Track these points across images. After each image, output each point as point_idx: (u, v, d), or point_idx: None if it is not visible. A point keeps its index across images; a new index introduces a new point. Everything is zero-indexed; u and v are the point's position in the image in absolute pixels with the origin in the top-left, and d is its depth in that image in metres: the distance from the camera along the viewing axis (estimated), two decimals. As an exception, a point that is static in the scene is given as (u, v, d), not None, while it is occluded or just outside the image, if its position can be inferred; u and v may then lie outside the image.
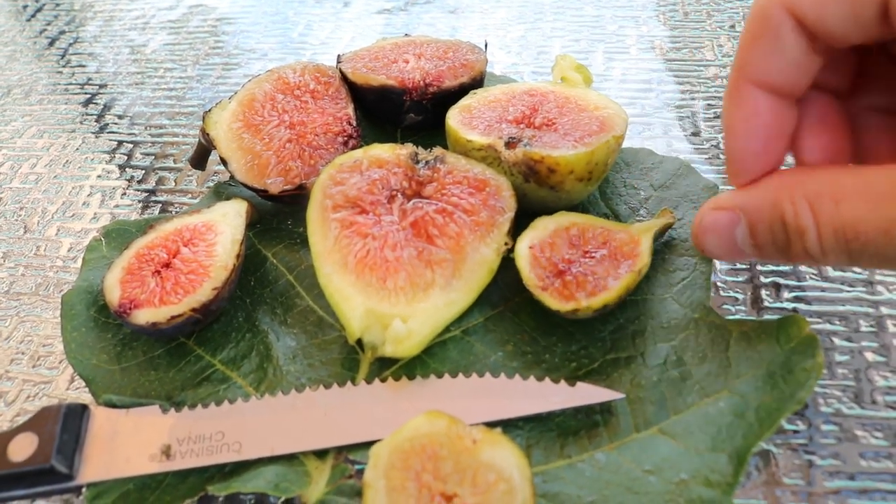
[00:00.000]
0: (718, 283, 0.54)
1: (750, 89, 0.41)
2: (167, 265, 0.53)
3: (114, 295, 0.51)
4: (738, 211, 0.42)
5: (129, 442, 0.46)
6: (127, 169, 0.71)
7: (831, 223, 0.37)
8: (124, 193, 0.69)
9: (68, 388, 0.54)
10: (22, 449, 0.45)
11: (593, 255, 0.50)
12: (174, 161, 0.72)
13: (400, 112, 0.62)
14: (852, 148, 0.45)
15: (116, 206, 0.67)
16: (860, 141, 0.45)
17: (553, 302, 0.48)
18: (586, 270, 0.49)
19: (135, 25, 0.94)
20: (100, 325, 0.54)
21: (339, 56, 0.66)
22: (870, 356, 0.49)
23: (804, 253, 0.39)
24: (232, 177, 0.58)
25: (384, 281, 0.49)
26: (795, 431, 0.46)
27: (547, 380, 0.46)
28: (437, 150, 0.54)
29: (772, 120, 0.41)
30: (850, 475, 0.44)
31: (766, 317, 0.52)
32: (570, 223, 0.52)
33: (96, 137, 0.76)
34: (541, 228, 0.52)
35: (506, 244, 0.50)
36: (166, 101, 0.80)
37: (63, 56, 0.90)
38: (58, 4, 1.02)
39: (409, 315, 0.48)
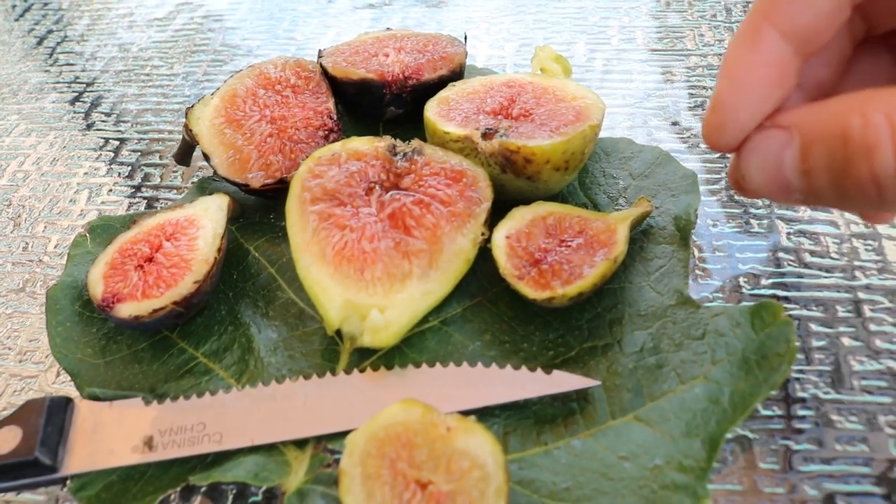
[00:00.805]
0: (696, 271, 0.55)
1: (770, 33, 0.38)
2: (150, 259, 0.53)
3: (97, 289, 0.52)
4: (793, 130, 0.37)
5: (112, 434, 0.47)
6: (113, 165, 0.72)
7: None
8: (111, 190, 0.69)
9: (54, 383, 0.54)
10: (6, 442, 0.45)
11: (569, 243, 0.51)
12: (160, 157, 0.72)
13: (381, 105, 0.63)
14: None
15: (103, 202, 0.68)
16: None
17: (529, 291, 0.49)
18: (562, 259, 0.50)
19: (122, 23, 0.95)
20: (84, 320, 0.54)
21: (319, 51, 0.66)
22: (847, 341, 0.50)
23: (868, 176, 0.34)
24: (215, 172, 0.59)
25: (362, 272, 0.49)
26: (772, 417, 0.46)
27: (524, 368, 0.47)
28: (415, 143, 0.54)
29: (780, 73, 0.39)
30: (826, 459, 0.44)
31: (744, 304, 0.52)
32: (547, 212, 0.53)
33: (83, 135, 0.76)
34: (518, 218, 0.52)
35: (483, 234, 0.51)
36: (153, 98, 0.80)
37: (51, 55, 0.90)
38: (46, 4, 1.02)
39: (387, 305, 0.48)
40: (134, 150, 0.73)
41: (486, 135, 0.53)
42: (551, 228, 0.52)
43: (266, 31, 0.89)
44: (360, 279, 0.49)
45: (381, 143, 0.54)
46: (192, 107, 0.62)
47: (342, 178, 0.52)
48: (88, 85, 0.84)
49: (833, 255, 0.55)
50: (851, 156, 0.34)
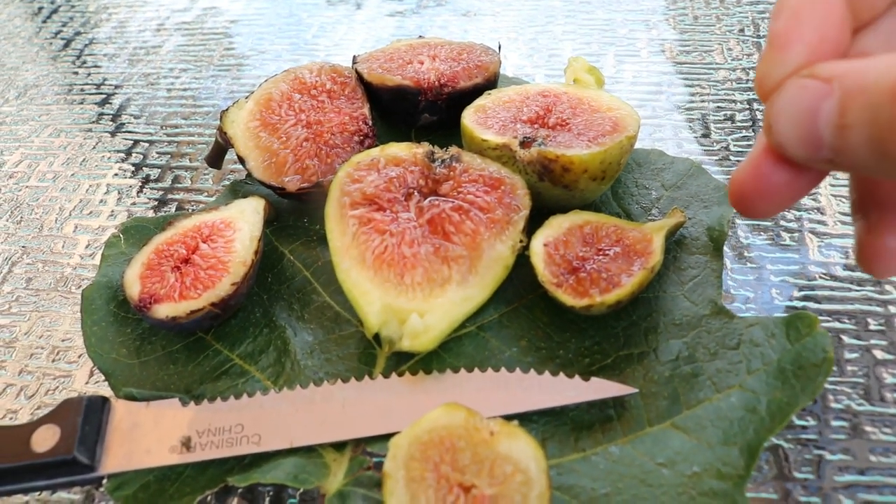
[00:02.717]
0: (729, 282, 0.55)
1: None
2: (186, 261, 0.53)
3: (134, 290, 0.52)
4: (834, 81, 0.33)
5: (149, 434, 0.47)
6: (143, 168, 0.72)
7: None
8: (140, 191, 0.69)
9: (87, 383, 0.54)
10: (45, 440, 0.46)
11: (607, 252, 0.51)
12: (189, 160, 0.72)
13: (415, 112, 0.63)
14: None
15: (133, 203, 0.68)
16: None
17: (567, 298, 0.49)
18: (600, 267, 0.50)
19: (149, 26, 0.95)
20: (119, 320, 0.55)
21: (354, 57, 0.67)
22: (879, 354, 0.50)
23: None
24: (248, 175, 0.59)
25: (402, 277, 0.50)
26: (806, 427, 0.47)
27: (561, 375, 0.47)
28: (453, 149, 0.55)
29: (839, 21, 0.36)
30: (860, 470, 0.45)
31: (776, 315, 0.52)
32: (584, 221, 0.53)
33: (112, 137, 0.77)
34: (555, 226, 0.53)
35: (521, 241, 0.51)
36: (181, 101, 0.81)
37: (78, 57, 0.91)
38: (73, 6, 1.03)
39: (426, 310, 0.49)
40: (163, 153, 0.74)
41: (525, 143, 0.53)
42: (588, 237, 0.52)
43: (293, 36, 0.90)
44: (400, 283, 0.49)
45: (419, 150, 0.55)
46: (227, 110, 0.62)
47: (381, 184, 0.53)
48: (117, 87, 0.84)
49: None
50: (891, 112, 0.31)
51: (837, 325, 0.52)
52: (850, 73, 0.33)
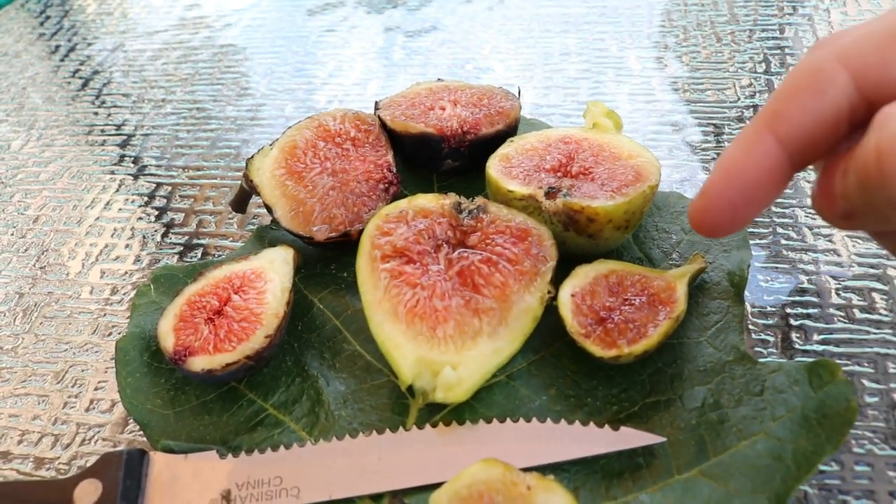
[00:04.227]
0: (749, 326, 0.56)
1: (768, 141, 0.39)
2: (219, 312, 0.54)
3: (168, 342, 0.53)
4: None
5: (189, 487, 0.48)
6: (167, 212, 0.74)
7: None
8: (165, 236, 0.71)
9: (122, 433, 0.55)
10: (87, 495, 0.47)
11: (632, 302, 0.52)
12: (213, 204, 0.74)
13: (438, 158, 0.64)
14: None
15: (159, 248, 0.70)
16: None
17: (596, 349, 0.50)
18: (627, 318, 0.51)
19: (168, 68, 0.97)
20: (153, 371, 0.56)
21: (376, 103, 0.68)
22: (899, 398, 0.51)
23: None
24: (276, 223, 0.60)
25: (434, 329, 0.51)
26: (829, 472, 0.48)
27: (592, 424, 0.48)
28: (479, 200, 0.56)
29: (772, 181, 0.39)
30: (884, 515, 0.46)
31: (797, 359, 0.54)
32: (610, 271, 0.54)
33: (135, 180, 0.78)
34: (581, 276, 0.54)
35: (549, 292, 0.52)
36: (202, 143, 0.82)
37: (97, 97, 0.92)
38: (90, 44, 1.04)
39: (459, 363, 0.50)
40: (186, 196, 0.75)
41: (550, 194, 0.55)
42: (614, 287, 0.53)
43: (318, 74, 0.91)
44: (433, 336, 0.50)
45: (446, 201, 0.56)
46: (252, 157, 0.63)
47: (411, 236, 0.54)
48: (137, 128, 0.85)
49: (881, 310, 0.56)
50: None
51: (857, 368, 0.53)
52: None
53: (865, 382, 0.52)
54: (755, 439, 0.46)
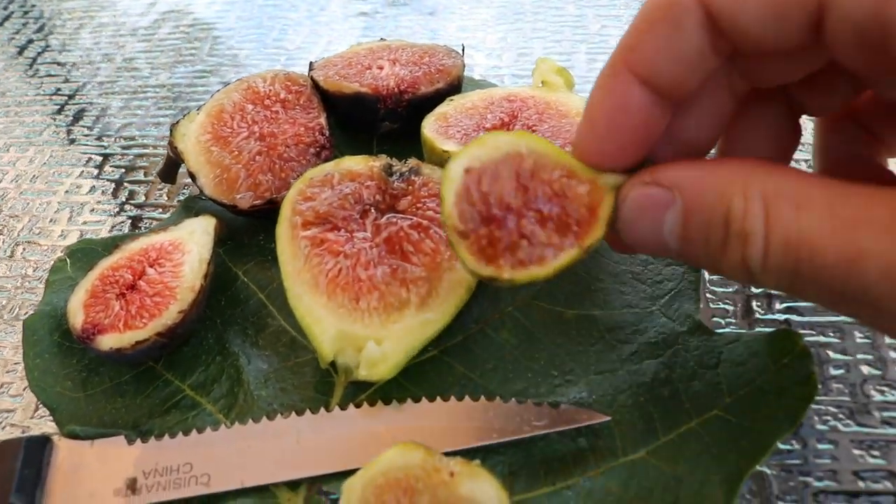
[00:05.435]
0: (707, 294, 0.52)
1: (627, 79, 0.35)
2: (132, 287, 0.50)
3: (77, 319, 0.49)
4: (676, 191, 0.35)
5: (93, 476, 0.45)
6: (97, 182, 0.69)
7: (785, 233, 0.31)
8: (93, 209, 0.66)
9: (32, 417, 0.51)
10: (-20, 485, 0.43)
11: (541, 208, 0.38)
12: (145, 174, 0.69)
13: (375, 120, 0.60)
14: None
15: (85, 222, 0.65)
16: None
17: (470, 259, 0.38)
18: (525, 229, 0.38)
19: (106, 32, 0.92)
20: (64, 351, 0.52)
21: (311, 63, 0.64)
22: (865, 369, 0.47)
23: (740, 263, 0.33)
24: (201, 192, 0.56)
25: (357, 301, 0.47)
26: (790, 451, 0.44)
27: (529, 402, 0.44)
28: (412, 162, 0.52)
29: (640, 121, 0.36)
30: (848, 497, 0.42)
31: (758, 329, 0.50)
32: (529, 150, 0.39)
33: (65, 150, 0.74)
34: (489, 147, 0.39)
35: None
36: (138, 111, 0.78)
37: (31, 65, 0.87)
38: (26, 12, 0.99)
39: (384, 336, 0.46)
40: (118, 167, 0.71)
41: (487, 153, 0.50)
42: (526, 176, 0.38)
43: (255, 40, 0.87)
44: (356, 309, 0.46)
45: (376, 163, 0.52)
46: (178, 123, 0.59)
47: (335, 201, 0.50)
48: (70, 97, 0.81)
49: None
50: (730, 238, 0.33)
51: (822, 338, 0.49)
52: (689, 185, 0.34)
53: (830, 353, 0.48)
54: (709, 417, 0.43)
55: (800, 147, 0.42)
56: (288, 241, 0.49)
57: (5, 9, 1.00)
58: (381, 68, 0.61)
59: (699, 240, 0.34)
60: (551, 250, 0.38)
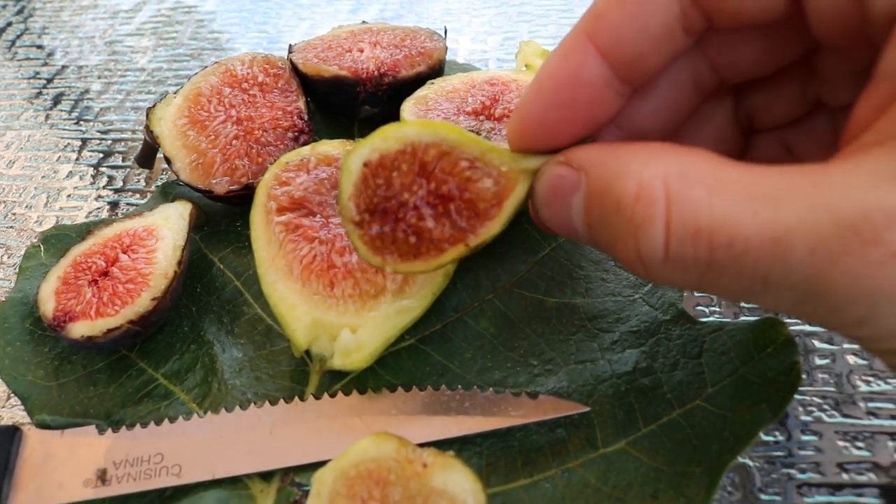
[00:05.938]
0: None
1: (586, 49, 0.33)
2: (105, 274, 0.49)
3: (48, 307, 0.48)
4: (581, 173, 0.33)
5: (62, 466, 0.44)
6: (74, 167, 0.68)
7: (695, 219, 0.28)
8: (70, 195, 0.65)
9: (3, 406, 0.50)
10: (-55, 476, 0.42)
11: (436, 204, 0.38)
12: (123, 159, 0.68)
13: (355, 104, 0.59)
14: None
15: (62, 207, 0.64)
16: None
17: (363, 248, 0.38)
18: (417, 226, 0.38)
19: (86, 15, 0.90)
20: (36, 339, 0.50)
21: (290, 46, 0.62)
22: (851, 359, 0.46)
23: (633, 253, 0.30)
24: (178, 177, 0.55)
25: (331, 288, 0.45)
26: (774, 442, 0.43)
27: (507, 393, 0.43)
28: (391, 146, 0.51)
29: (590, 96, 0.34)
30: (832, 489, 0.41)
31: (743, 318, 0.49)
32: (438, 139, 0.38)
33: (43, 135, 0.72)
34: (392, 139, 0.38)
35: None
36: (117, 95, 0.76)
37: (10, 48, 0.86)
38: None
39: (359, 324, 0.45)
40: (96, 151, 0.69)
41: (467, 138, 0.49)
42: (430, 166, 0.38)
43: (238, 23, 0.85)
44: (330, 296, 0.45)
45: (353, 147, 0.50)
46: (154, 106, 0.58)
47: (311, 186, 0.49)
48: (49, 81, 0.79)
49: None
50: (622, 224, 0.30)
51: (807, 328, 0.48)
52: (594, 165, 0.32)
53: (816, 343, 0.48)
54: (690, 407, 0.42)
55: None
56: (262, 226, 0.48)
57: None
58: (361, 51, 0.60)
59: (600, 226, 0.32)
60: (443, 244, 0.38)
